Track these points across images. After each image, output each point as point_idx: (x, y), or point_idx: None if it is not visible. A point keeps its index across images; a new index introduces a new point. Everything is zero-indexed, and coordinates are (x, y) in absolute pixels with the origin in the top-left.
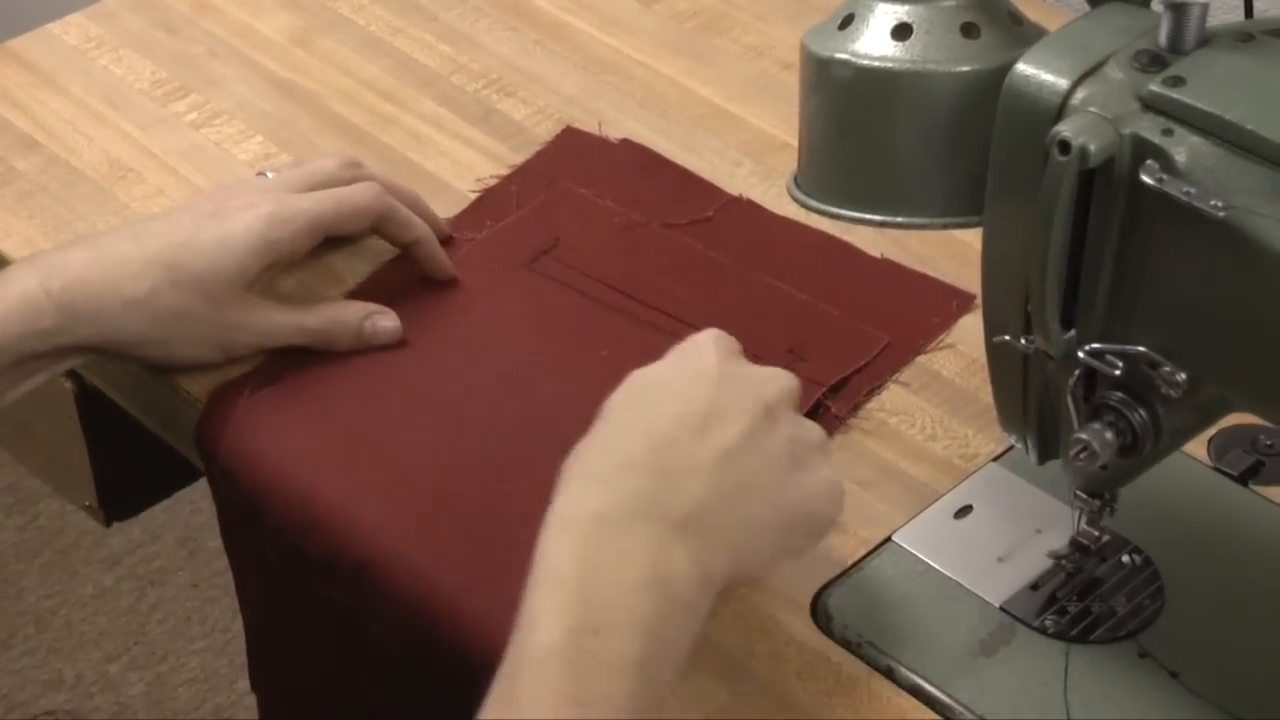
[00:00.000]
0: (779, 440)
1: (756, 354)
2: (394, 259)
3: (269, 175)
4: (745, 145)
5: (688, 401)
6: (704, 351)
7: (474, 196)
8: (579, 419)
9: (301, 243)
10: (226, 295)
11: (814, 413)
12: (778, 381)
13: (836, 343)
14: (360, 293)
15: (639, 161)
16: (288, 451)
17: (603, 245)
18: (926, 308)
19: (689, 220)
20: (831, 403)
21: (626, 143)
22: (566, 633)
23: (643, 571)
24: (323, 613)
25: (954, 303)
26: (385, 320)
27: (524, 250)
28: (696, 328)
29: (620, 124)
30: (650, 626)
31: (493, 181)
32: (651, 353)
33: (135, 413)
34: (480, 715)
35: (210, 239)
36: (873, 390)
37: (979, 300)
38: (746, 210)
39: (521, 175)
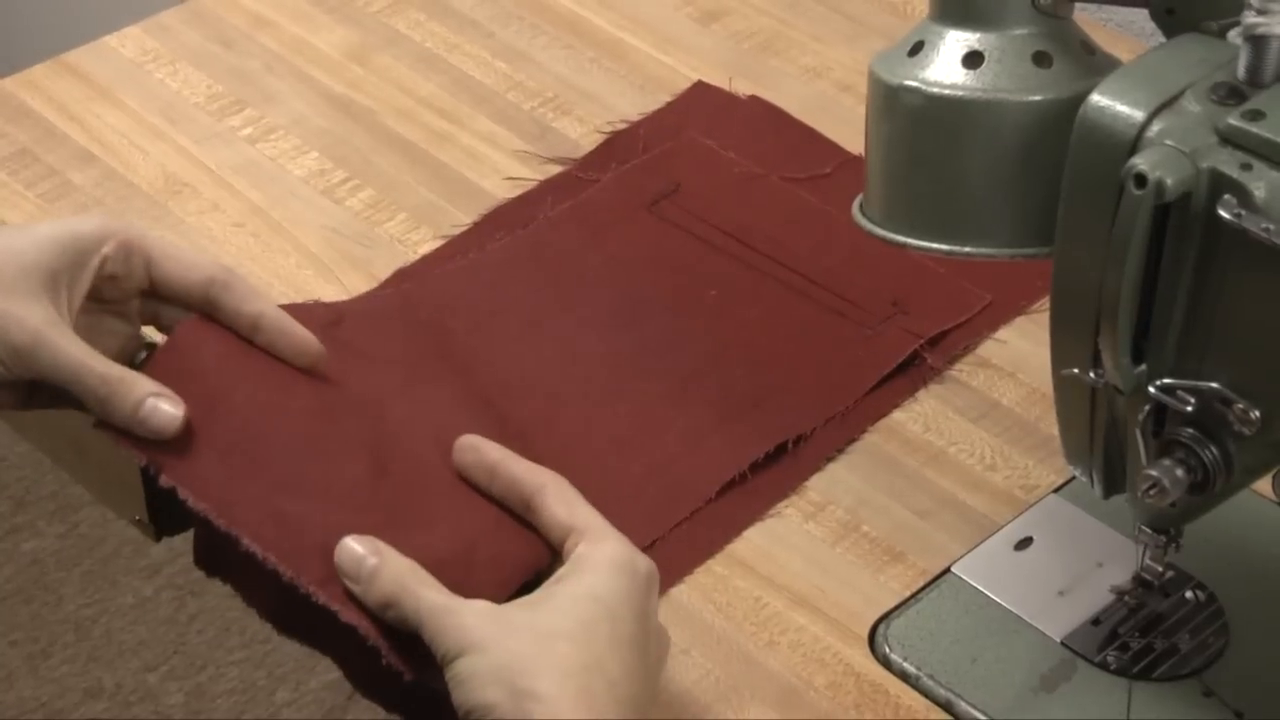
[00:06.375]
0: None
1: (861, 303)
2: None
3: None
4: None
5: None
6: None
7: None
8: (686, 353)
9: None
10: None
11: (910, 363)
12: None
13: (939, 298)
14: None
15: (765, 117)
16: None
17: (721, 193)
18: (1032, 270)
19: (807, 175)
20: (928, 354)
21: (754, 99)
22: None
23: None
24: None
25: None
26: (167, 405)
27: (645, 193)
28: (807, 276)
29: None
30: None
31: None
32: (758, 296)
33: None
34: None
35: None
36: (969, 346)
37: None
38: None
39: (650, 123)
